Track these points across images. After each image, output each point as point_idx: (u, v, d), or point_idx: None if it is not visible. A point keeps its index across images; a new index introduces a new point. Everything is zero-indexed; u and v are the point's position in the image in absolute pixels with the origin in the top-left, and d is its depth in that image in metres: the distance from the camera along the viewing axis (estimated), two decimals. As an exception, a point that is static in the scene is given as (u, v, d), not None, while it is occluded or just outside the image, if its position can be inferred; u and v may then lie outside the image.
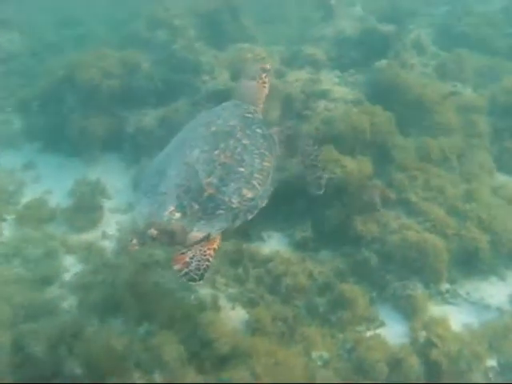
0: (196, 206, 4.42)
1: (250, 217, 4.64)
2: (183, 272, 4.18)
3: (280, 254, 5.56)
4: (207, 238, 4.37)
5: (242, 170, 4.71)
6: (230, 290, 5.36)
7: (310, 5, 10.31)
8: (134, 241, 4.41)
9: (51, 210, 6.64)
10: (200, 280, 4.18)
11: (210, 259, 4.28)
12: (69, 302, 5.25)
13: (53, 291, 5.42)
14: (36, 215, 6.51)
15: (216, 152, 4.73)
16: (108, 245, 6.14)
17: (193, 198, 4.46)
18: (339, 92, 7.07)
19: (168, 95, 7.46)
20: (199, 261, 4.24)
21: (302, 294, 5.31)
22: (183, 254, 4.31)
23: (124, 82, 7.37)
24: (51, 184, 7.26)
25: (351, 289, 5.15)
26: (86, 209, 6.57)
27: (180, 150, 4.90)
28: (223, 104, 5.63)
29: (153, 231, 4.30)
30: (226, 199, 4.51)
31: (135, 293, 5.07)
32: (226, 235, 5.27)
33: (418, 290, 5.19)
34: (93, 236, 6.29)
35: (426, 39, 8.72)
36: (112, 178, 7.23)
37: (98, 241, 6.20)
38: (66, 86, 7.40)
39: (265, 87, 5.79)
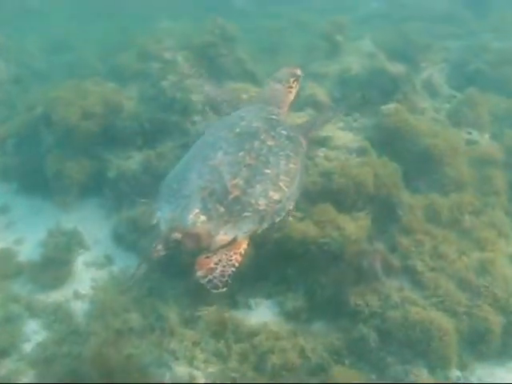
0: (222, 209, 4.45)
1: (277, 219, 4.69)
2: (207, 279, 4.22)
3: (268, 326, 5.15)
4: (234, 242, 4.41)
5: (267, 171, 4.75)
6: (210, 369, 4.94)
7: (314, 34, 9.99)
8: (159, 246, 4.44)
9: (18, 264, 6.26)
10: (224, 288, 4.21)
11: (236, 264, 4.31)
12: (28, 379, 4.84)
13: (8, 365, 5.00)
14: (0, 270, 6.12)
15: (241, 153, 4.77)
16: (80, 306, 5.75)
17: (218, 201, 4.48)
18: (342, 139, 6.72)
19: (155, 136, 7.13)
20: (224, 266, 4.27)
21: (291, 373, 4.90)
22: (208, 257, 4.32)
23: (106, 122, 7.03)
24: (24, 231, 6.91)
25: (346, 373, 4.72)
26: (57, 263, 6.19)
27: (201, 154, 4.94)
28: (245, 107, 5.69)
29: (177, 235, 4.36)
30: (253, 201, 4.54)
31: (103, 369, 4.67)
32: (210, 300, 5.04)
33: (422, 375, 4.74)
34: (63, 295, 5.89)
35: (439, 79, 8.38)
36: (90, 226, 6.86)
37: (68, 302, 5.80)
38: (43, 124, 7.10)
39: (291, 92, 5.95)
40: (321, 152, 6.43)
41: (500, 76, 9.14)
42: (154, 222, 4.85)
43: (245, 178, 4.61)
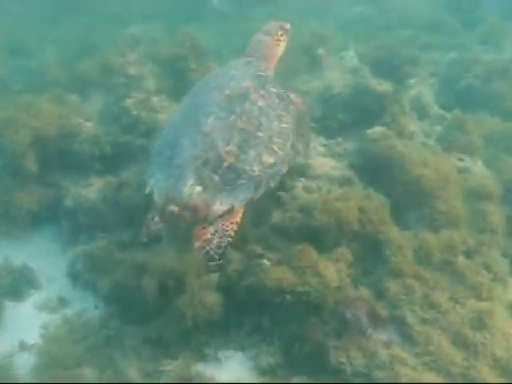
0: (216, 178, 4.48)
1: (272, 184, 4.78)
2: (204, 250, 4.33)
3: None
4: (230, 211, 4.47)
5: (260, 134, 4.76)
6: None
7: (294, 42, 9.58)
8: (156, 218, 4.53)
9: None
10: (220, 260, 4.32)
11: (232, 234, 4.43)
12: None
13: None
14: None
15: (232, 117, 4.76)
16: (26, 360, 5.28)
17: (212, 170, 4.50)
18: (323, 166, 6.37)
19: (117, 161, 6.71)
20: (221, 237, 4.37)
21: None
22: (204, 228, 4.40)
23: (62, 146, 6.56)
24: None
25: None
26: (2, 307, 5.73)
27: (193, 118, 4.89)
28: (232, 62, 5.69)
29: (174, 208, 4.36)
30: (247, 168, 4.58)
31: None
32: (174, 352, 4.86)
33: None
34: (6, 347, 5.40)
35: (428, 98, 8.02)
36: (43, 262, 6.39)
37: (12, 354, 5.32)
38: (-9, 148, 6.57)
39: (278, 45, 5.91)
40: (300, 182, 6.04)
41: (493, 92, 8.85)
42: (147, 190, 4.79)
43: (238, 143, 4.63)
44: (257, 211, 5.79)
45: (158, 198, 4.62)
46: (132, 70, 7.32)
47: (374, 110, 7.02)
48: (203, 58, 7.76)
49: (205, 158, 4.55)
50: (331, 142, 6.86)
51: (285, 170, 4.93)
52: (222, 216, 4.48)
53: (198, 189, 4.45)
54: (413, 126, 7.14)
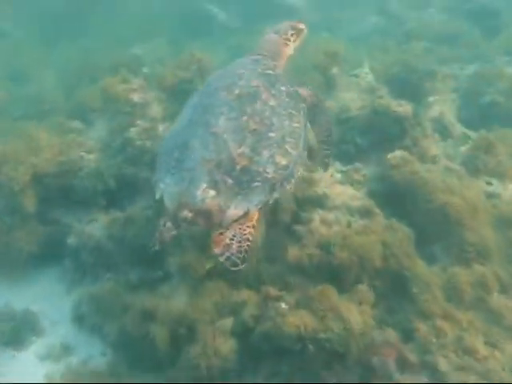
0: (230, 181, 4.40)
1: (287, 186, 4.63)
2: (225, 256, 4.22)
3: None
4: (245, 215, 4.37)
5: (272, 135, 4.69)
6: None
7: (306, 60, 9.35)
8: (169, 224, 4.37)
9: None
10: (242, 264, 4.20)
11: (250, 238, 4.32)
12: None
13: None
14: None
15: (244, 118, 4.70)
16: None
17: (225, 173, 4.43)
18: (341, 196, 6.10)
19: (122, 194, 6.51)
20: (240, 241, 4.27)
21: None
22: (222, 234, 4.31)
23: (63, 182, 6.37)
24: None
25: None
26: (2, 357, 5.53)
27: (201, 118, 4.82)
28: (239, 60, 5.63)
29: (187, 213, 4.30)
30: (261, 170, 4.50)
31: None
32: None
33: None
34: (8, 401, 5.20)
35: (450, 116, 7.75)
36: (47, 304, 6.22)
37: (15, 409, 5.12)
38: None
39: (287, 44, 5.84)
40: (317, 214, 5.79)
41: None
42: (158, 196, 4.68)
43: (250, 145, 4.57)
44: (272, 246, 5.62)
45: (169, 203, 4.52)
46: (136, 97, 7.11)
47: (394, 132, 6.75)
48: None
49: (217, 161, 4.48)
50: (349, 167, 6.59)
51: (299, 172, 4.81)
52: (237, 220, 4.39)
53: (212, 193, 4.37)
54: (435, 148, 6.84)
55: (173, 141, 4.90)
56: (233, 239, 4.31)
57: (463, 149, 7.20)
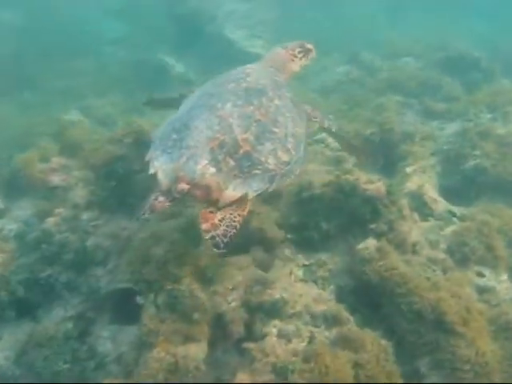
0: (232, 162, 4.57)
1: (286, 181, 4.89)
2: (210, 234, 4.37)
3: None
4: (242, 200, 4.55)
5: (276, 130, 4.92)
6: None
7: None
8: (161, 198, 4.50)
9: None
10: (224, 249, 4.35)
11: (238, 226, 4.48)
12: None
13: None
14: None
15: (251, 108, 4.93)
16: None
17: (228, 154, 4.60)
18: (303, 299, 5.36)
19: (36, 302, 5.61)
20: (227, 226, 4.43)
21: None
22: (212, 212, 4.47)
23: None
24: None
25: None
26: None
27: (207, 103, 5.02)
28: (248, 65, 5.86)
29: (184, 185, 4.44)
30: (263, 159, 4.71)
31: None
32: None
33: None
34: None
35: (431, 190, 7.02)
36: None
37: None
38: None
39: (293, 60, 6.19)
40: (272, 327, 5.01)
41: (507, 176, 7.88)
42: (152, 171, 4.75)
43: (255, 133, 4.77)
44: (217, 366, 4.87)
45: (163, 178, 4.61)
46: (56, 179, 6.28)
47: (365, 215, 5.98)
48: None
49: (221, 141, 4.65)
50: (312, 261, 5.82)
51: (297, 171, 5.00)
52: (232, 204, 4.54)
53: (212, 170, 4.52)
54: (415, 233, 6.09)
55: (171, 126, 5.03)
56: (221, 221, 4.44)
57: (448, 230, 6.45)
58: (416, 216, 6.49)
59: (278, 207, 6.49)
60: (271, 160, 4.75)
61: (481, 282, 5.82)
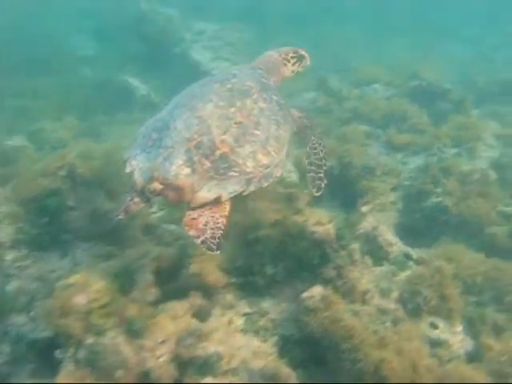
0: (207, 164, 4.63)
1: (264, 184, 4.87)
2: (200, 239, 4.40)
3: None
4: (216, 202, 4.59)
5: (258, 133, 4.96)
6: None
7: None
8: (136, 199, 4.64)
9: None
10: (217, 250, 4.39)
11: (223, 227, 4.50)
12: None
13: None
14: None
15: (232, 109, 4.99)
16: None
17: (204, 155, 4.66)
18: (241, 352, 5.07)
19: None
20: (213, 229, 4.46)
21: None
22: (194, 219, 4.50)
23: None
24: None
25: None
26: None
27: (189, 104, 5.08)
28: (237, 66, 6.17)
29: (157, 185, 4.54)
30: (240, 161, 4.75)
31: None
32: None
33: None
34: None
35: (388, 231, 6.70)
36: None
37: None
38: None
39: (285, 65, 6.22)
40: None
41: (470, 216, 7.65)
42: (128, 170, 4.83)
43: (234, 135, 4.83)
44: None
45: (139, 177, 4.68)
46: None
47: (313, 259, 5.68)
48: (88, 188, 6.40)
49: (198, 142, 4.71)
50: (254, 309, 5.50)
51: (278, 174, 5.03)
52: (207, 205, 4.59)
53: (187, 170, 4.57)
54: (366, 280, 5.79)
55: (153, 125, 5.08)
56: (206, 225, 4.47)
57: (403, 276, 6.15)
58: (368, 260, 6.19)
59: (223, 248, 6.17)
60: (250, 163, 4.78)
61: (433, 334, 5.54)
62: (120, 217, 4.65)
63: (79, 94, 15.52)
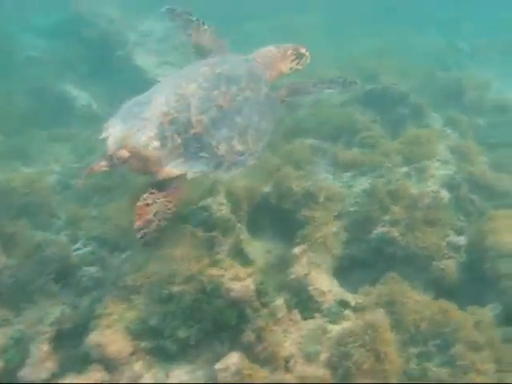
0: (178, 141, 4.93)
1: (234, 171, 5.16)
2: (141, 232, 4.63)
3: None
4: (180, 180, 4.86)
5: (238, 120, 5.26)
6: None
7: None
8: (103, 162, 4.91)
9: None
10: (154, 243, 4.74)
11: (170, 217, 4.81)
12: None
13: None
14: None
15: (215, 92, 5.26)
16: None
17: (177, 131, 4.95)
18: None
19: None
20: (160, 220, 4.74)
21: None
22: (148, 205, 4.73)
23: None
24: None
25: None
26: None
27: (174, 82, 5.35)
28: (233, 55, 6.24)
29: (124, 152, 4.81)
30: (213, 143, 5.06)
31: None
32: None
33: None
34: None
35: (321, 276, 6.11)
36: None
37: None
38: None
39: (283, 60, 6.41)
40: None
41: (417, 248, 7.19)
42: (103, 135, 5.01)
43: (212, 117, 5.04)
44: None
45: (111, 143, 4.87)
46: None
47: (230, 320, 5.21)
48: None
49: (173, 118, 4.93)
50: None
51: (251, 162, 5.23)
52: (169, 180, 4.78)
53: (156, 144, 4.80)
54: (290, 343, 5.30)
55: (138, 100, 5.28)
56: (155, 215, 4.66)
57: (335, 331, 5.66)
58: (297, 315, 5.71)
59: (135, 304, 5.68)
60: (223, 147, 5.03)
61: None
62: (83, 181, 4.92)
63: (17, 103, 14.53)
